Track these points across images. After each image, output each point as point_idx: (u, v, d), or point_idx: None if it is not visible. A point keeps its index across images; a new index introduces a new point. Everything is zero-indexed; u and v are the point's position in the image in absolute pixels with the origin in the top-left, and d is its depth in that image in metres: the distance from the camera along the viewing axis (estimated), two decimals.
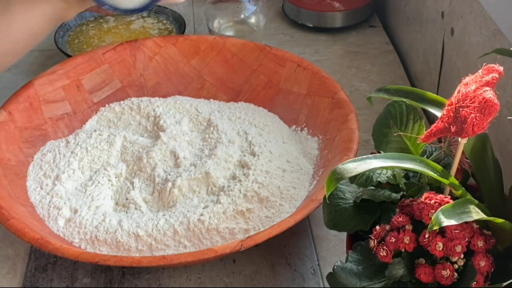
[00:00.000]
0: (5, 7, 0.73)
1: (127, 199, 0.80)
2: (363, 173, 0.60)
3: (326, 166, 0.80)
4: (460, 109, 0.51)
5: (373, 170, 0.61)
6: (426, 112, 0.91)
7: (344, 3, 1.19)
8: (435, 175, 0.53)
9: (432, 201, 0.53)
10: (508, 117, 0.74)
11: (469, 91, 0.51)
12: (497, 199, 0.59)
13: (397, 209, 0.58)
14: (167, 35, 1.13)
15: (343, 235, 0.64)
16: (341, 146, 0.80)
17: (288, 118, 0.91)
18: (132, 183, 0.82)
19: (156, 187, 0.81)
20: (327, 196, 0.54)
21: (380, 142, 0.65)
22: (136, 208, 0.78)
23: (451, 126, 0.51)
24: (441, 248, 0.52)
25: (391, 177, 0.61)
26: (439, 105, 0.59)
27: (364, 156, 0.52)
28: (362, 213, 0.62)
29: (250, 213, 0.75)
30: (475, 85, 0.52)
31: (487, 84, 0.52)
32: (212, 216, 0.74)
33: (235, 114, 0.92)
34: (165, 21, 1.17)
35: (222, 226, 0.74)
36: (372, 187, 0.62)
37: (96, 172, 0.83)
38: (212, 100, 0.96)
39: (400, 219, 0.55)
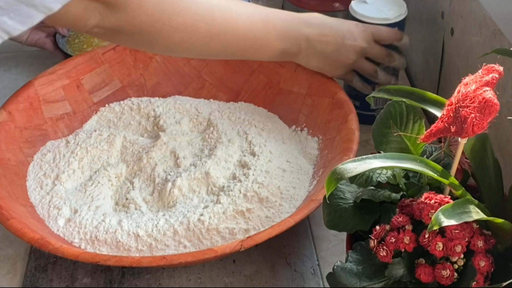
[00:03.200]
0: None
1: (127, 199, 0.80)
2: (363, 173, 0.60)
3: (326, 166, 0.80)
4: (460, 109, 0.51)
5: (373, 170, 0.60)
6: (426, 112, 0.90)
7: (344, 3, 1.19)
8: (435, 175, 0.53)
9: (432, 201, 0.53)
10: (508, 117, 0.74)
11: (469, 91, 0.51)
12: (497, 199, 0.59)
13: (397, 209, 0.58)
14: None
15: (343, 235, 0.64)
16: (341, 146, 0.80)
17: (288, 118, 0.91)
18: (132, 183, 0.82)
19: (156, 187, 0.81)
20: (327, 196, 0.54)
21: (380, 142, 0.65)
22: (136, 208, 0.78)
23: (451, 126, 0.51)
24: (441, 248, 0.52)
25: (391, 177, 0.61)
26: (439, 105, 0.59)
27: (364, 156, 0.52)
28: (362, 213, 0.62)
29: (250, 213, 0.75)
30: (475, 85, 0.52)
31: (487, 84, 0.52)
32: (212, 216, 0.74)
33: (235, 114, 0.92)
34: None
35: (222, 226, 0.74)
36: (372, 187, 0.61)
37: (96, 172, 0.83)
38: (212, 100, 0.96)
39: (400, 219, 0.55)
